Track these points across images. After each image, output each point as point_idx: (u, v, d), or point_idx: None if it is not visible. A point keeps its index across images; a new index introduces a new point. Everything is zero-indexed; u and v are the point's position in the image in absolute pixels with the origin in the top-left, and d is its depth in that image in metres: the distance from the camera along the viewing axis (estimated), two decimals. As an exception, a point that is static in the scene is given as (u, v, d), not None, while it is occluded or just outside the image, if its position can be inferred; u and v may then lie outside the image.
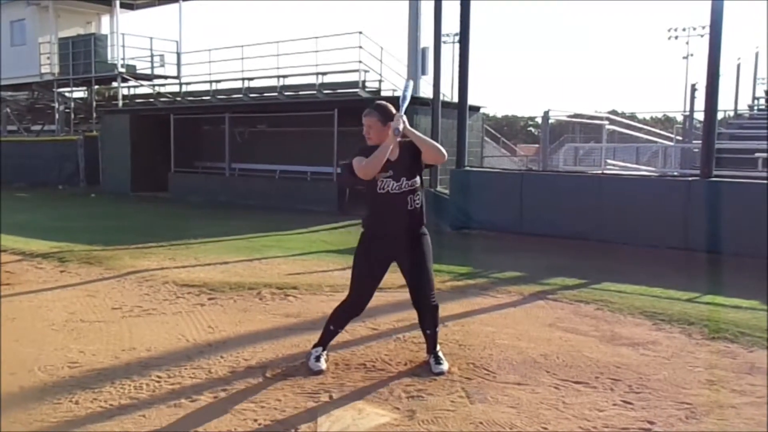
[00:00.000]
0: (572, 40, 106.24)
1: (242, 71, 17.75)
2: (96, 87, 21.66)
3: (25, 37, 22.46)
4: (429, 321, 3.95)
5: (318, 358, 3.94)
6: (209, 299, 5.75)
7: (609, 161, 15.08)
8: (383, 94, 15.28)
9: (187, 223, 11.50)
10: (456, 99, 11.24)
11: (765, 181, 8.08)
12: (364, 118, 3.79)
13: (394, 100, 3.92)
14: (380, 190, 3.73)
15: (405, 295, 5.83)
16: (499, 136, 26.48)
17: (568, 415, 3.34)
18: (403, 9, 15.08)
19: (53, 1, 21.65)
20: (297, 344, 4.39)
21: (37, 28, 22.03)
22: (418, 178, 3.79)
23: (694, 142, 13.77)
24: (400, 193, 3.74)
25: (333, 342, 4.05)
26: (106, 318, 5.14)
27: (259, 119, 17.62)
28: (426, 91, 13.97)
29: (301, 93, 16.92)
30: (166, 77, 21.77)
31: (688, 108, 16.60)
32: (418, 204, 3.81)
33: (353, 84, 15.36)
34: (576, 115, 19.05)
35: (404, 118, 3.67)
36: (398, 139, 3.65)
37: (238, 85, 18.06)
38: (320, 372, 3.86)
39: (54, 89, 21.88)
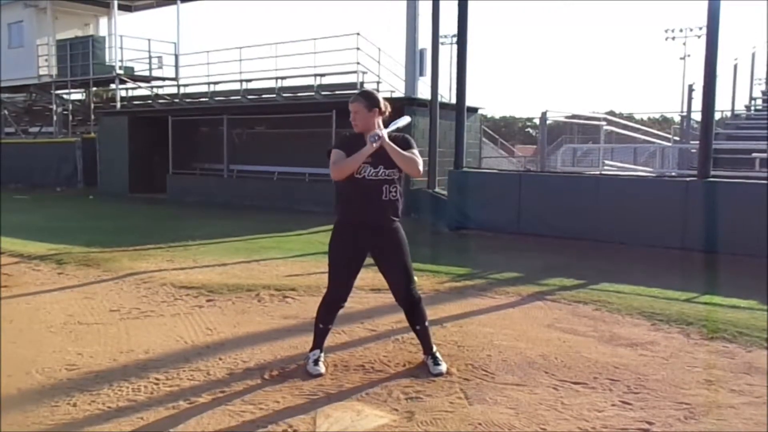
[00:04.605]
0: (570, 41, 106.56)
1: (240, 73, 17.73)
2: (94, 89, 21.63)
3: (22, 38, 22.45)
4: (415, 316, 3.91)
5: (316, 362, 3.92)
6: (207, 301, 5.75)
7: (607, 162, 15.06)
8: (382, 95, 15.24)
9: (185, 225, 11.47)
10: (454, 100, 11.25)
11: (762, 181, 8.09)
12: (350, 104, 3.76)
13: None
14: (357, 174, 3.63)
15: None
16: (497, 137, 26.55)
17: (567, 415, 3.34)
18: (401, 10, 15.05)
19: (51, 3, 21.64)
20: (295, 346, 4.38)
21: (35, 30, 22.02)
22: (397, 170, 3.70)
23: (692, 142, 13.76)
24: (375, 180, 3.66)
25: (331, 343, 4.04)
26: (104, 320, 5.13)
27: (258, 121, 17.61)
28: (424, 92, 13.97)
29: (299, 94, 16.91)
30: (164, 79, 21.77)
31: (685, 108, 16.56)
32: (394, 195, 3.72)
33: (351, 85, 15.33)
34: (574, 116, 19.04)
35: (384, 132, 3.59)
36: (375, 146, 3.54)
37: (236, 86, 18.03)
38: (319, 375, 3.84)
39: (52, 91, 21.86)
